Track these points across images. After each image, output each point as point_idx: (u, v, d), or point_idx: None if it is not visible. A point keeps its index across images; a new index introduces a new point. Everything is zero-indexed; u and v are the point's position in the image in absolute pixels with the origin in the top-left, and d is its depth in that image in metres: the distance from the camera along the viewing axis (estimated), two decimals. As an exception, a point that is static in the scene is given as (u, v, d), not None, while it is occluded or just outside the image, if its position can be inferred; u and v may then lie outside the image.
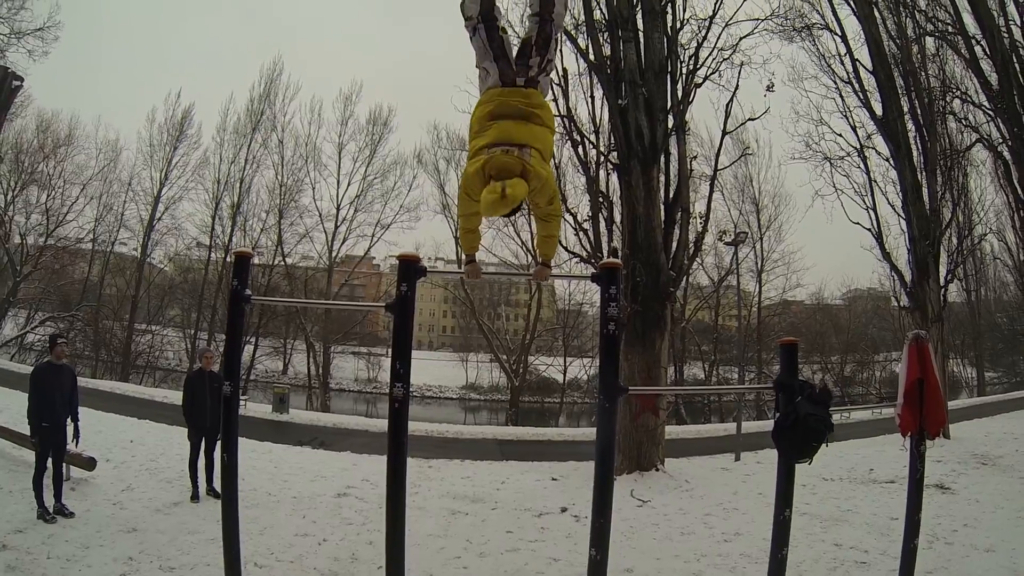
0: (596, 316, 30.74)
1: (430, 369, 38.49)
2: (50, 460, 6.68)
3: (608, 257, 12.61)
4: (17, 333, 30.09)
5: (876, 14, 16.47)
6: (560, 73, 14.50)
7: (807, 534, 6.95)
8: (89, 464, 7.70)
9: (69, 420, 6.86)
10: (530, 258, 33.06)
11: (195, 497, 7.74)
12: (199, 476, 7.89)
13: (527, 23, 3.74)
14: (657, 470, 11.49)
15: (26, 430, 6.88)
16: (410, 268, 4.30)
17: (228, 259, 32.22)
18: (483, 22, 3.55)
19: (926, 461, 4.64)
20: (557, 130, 15.43)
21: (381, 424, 16.55)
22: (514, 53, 3.57)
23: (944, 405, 4.89)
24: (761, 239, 35.22)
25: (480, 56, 3.60)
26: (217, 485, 7.16)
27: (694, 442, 17.23)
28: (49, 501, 6.52)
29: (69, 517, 6.50)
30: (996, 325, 36.22)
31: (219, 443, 4.55)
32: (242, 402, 19.13)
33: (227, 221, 33.91)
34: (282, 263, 34.81)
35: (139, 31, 66.80)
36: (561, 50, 14.67)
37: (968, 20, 16.19)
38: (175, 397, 13.87)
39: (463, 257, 4.39)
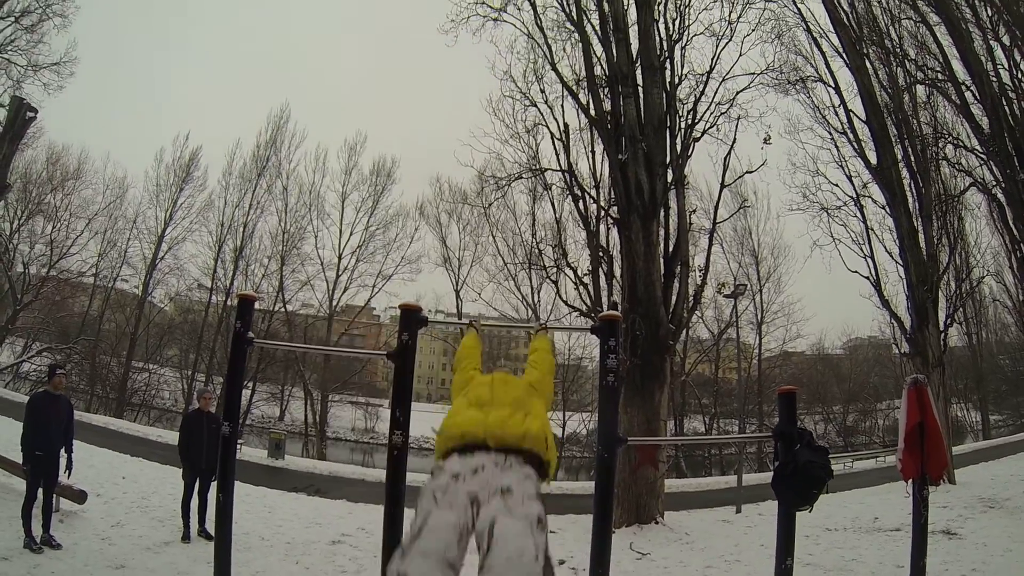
0: (595, 370, 30.24)
1: (430, 422, 37.96)
2: (41, 490, 6.59)
3: (608, 310, 12.69)
4: (13, 361, 29.92)
5: (868, 65, 16.97)
6: (561, 128, 14.88)
7: (812, 585, 6.82)
8: (80, 497, 7.61)
9: (63, 451, 6.79)
10: (530, 311, 33.54)
11: (186, 537, 7.60)
12: (191, 517, 7.76)
13: None
14: (657, 523, 11.30)
15: (18, 457, 6.83)
16: (411, 317, 4.37)
17: (229, 302, 32.31)
18: None
19: (931, 507, 4.63)
20: (559, 184, 15.81)
21: (378, 473, 16.34)
22: None
23: (945, 448, 4.88)
24: (760, 291, 35.37)
25: None
26: (209, 526, 7.08)
27: (694, 495, 17.00)
28: (37, 531, 6.43)
29: (56, 549, 6.40)
30: (999, 367, 36.01)
31: (213, 484, 4.53)
32: (238, 447, 18.97)
33: (229, 265, 34.10)
34: (282, 310, 34.82)
35: (152, 72, 68.54)
36: (563, 105, 15.18)
37: (957, 67, 16.68)
38: (170, 436, 13.78)
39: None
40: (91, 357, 32.05)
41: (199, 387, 27.64)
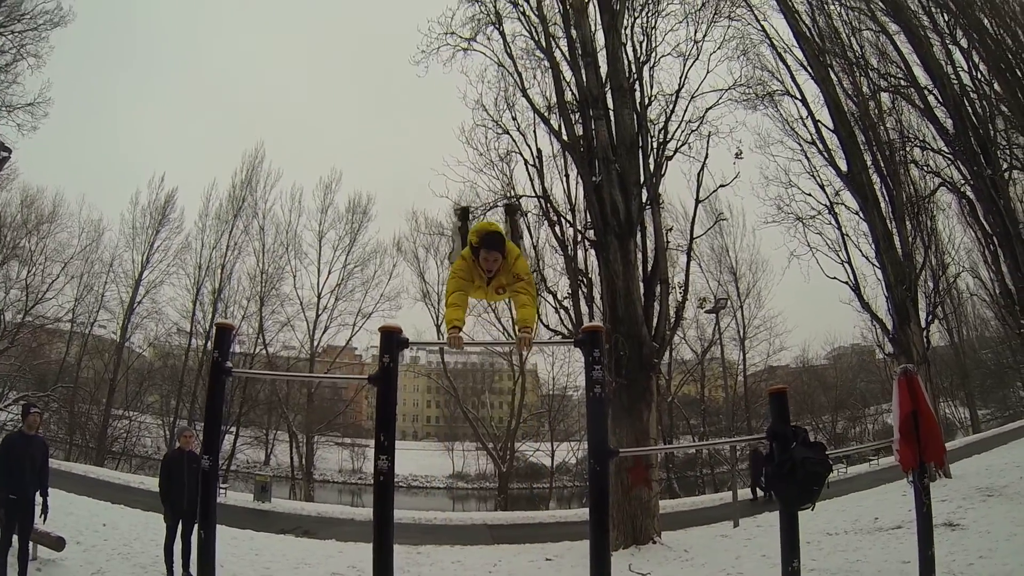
0: (581, 399, 30.46)
1: (416, 459, 37.82)
2: (16, 536, 6.30)
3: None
4: (-11, 410, 28.93)
5: (832, 75, 17.30)
6: (534, 154, 14.96)
7: (818, 590, 6.71)
8: (58, 544, 7.28)
9: (38, 494, 6.49)
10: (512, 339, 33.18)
11: (170, 583, 7.30)
12: (175, 561, 7.43)
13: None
14: (654, 542, 11.14)
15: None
16: (392, 339, 4.32)
17: (209, 346, 31.74)
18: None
19: (932, 502, 4.58)
20: (533, 211, 15.87)
21: (368, 512, 16.00)
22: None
23: (941, 434, 4.86)
24: (741, 307, 35.49)
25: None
26: (194, 570, 6.79)
27: (689, 514, 16.86)
28: None
29: (34, 596, 6.11)
30: (982, 362, 36.43)
31: (196, 527, 4.36)
32: (222, 491, 18.54)
33: (208, 307, 33.60)
34: (263, 352, 34.35)
35: (127, 113, 68.44)
36: (535, 131, 15.29)
37: (919, 72, 17.09)
38: (152, 483, 13.35)
39: (445, 331, 4.52)
40: (69, 405, 31.20)
41: (180, 425, 26.97)
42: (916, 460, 4.55)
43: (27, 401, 7.20)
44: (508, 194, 16.32)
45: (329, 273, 35.03)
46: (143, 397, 36.20)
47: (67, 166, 52.32)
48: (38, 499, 6.50)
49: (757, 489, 18.65)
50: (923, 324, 16.19)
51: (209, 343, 31.02)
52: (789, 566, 4.12)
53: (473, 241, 4.33)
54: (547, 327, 16.60)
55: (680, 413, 35.60)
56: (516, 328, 4.51)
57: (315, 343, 34.69)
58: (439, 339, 33.33)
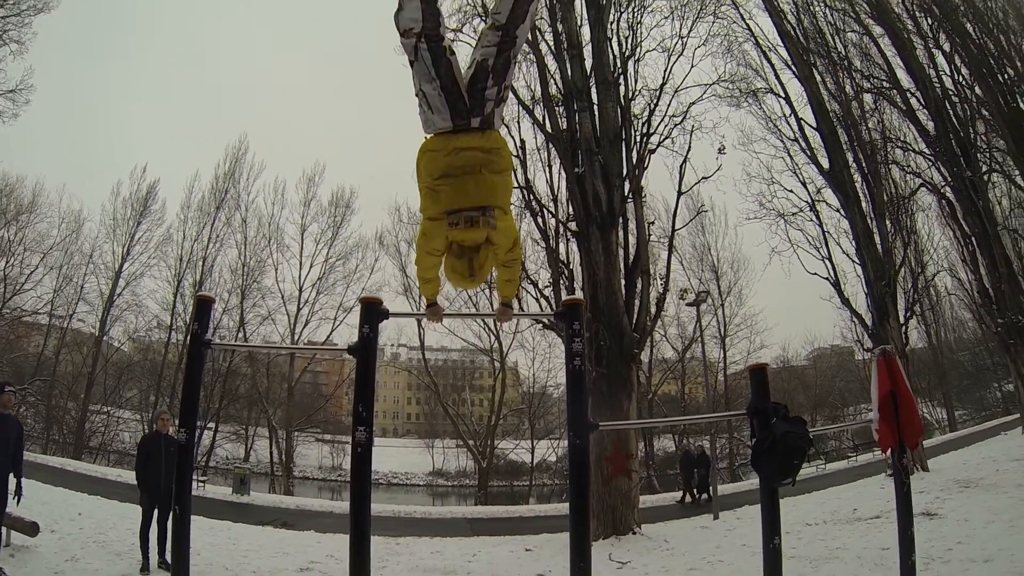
0: (562, 396, 30.39)
1: (396, 456, 37.73)
2: None
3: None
4: (-38, 404, 28.33)
5: (816, 75, 17.63)
6: (517, 145, 14.99)
7: (798, 574, 6.74)
8: (31, 529, 7.11)
9: (12, 477, 6.28)
10: (492, 337, 33.64)
11: (145, 569, 7.14)
12: (150, 547, 7.29)
13: (482, 38, 3.02)
14: (634, 533, 11.19)
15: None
16: (372, 310, 4.25)
17: (188, 341, 31.25)
18: (427, 41, 2.83)
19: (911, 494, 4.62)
20: (516, 202, 15.91)
21: (347, 507, 15.84)
22: (466, 81, 2.92)
23: (919, 416, 4.89)
24: (723, 305, 35.71)
25: (422, 79, 2.90)
26: (170, 556, 6.70)
27: (669, 508, 16.96)
28: None
29: (5, 580, 5.93)
30: (959, 363, 36.99)
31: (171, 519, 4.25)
32: (200, 484, 18.30)
33: (189, 300, 33.10)
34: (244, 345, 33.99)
35: (109, 102, 67.48)
36: (519, 123, 15.31)
37: (902, 75, 17.53)
38: (129, 476, 13.14)
39: (424, 302, 4.25)
40: (47, 399, 30.68)
41: (158, 409, 26.57)
42: (896, 440, 4.56)
43: (2, 380, 7.01)
44: None
45: (311, 266, 34.66)
46: (122, 391, 35.63)
47: (48, 155, 51.48)
48: (11, 482, 6.29)
49: (689, 492, 18.26)
50: (902, 320, 16.45)
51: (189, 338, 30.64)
52: (770, 543, 4.08)
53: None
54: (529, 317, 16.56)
55: (661, 411, 35.75)
56: (496, 297, 4.24)
57: (296, 337, 34.36)
58: (420, 333, 33.41)
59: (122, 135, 64.24)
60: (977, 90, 16.85)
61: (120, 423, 33.41)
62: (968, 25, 16.96)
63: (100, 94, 67.30)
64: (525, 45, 14.81)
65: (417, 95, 2.95)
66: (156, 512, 7.40)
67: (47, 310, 31.95)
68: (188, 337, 4.47)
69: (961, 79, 17.02)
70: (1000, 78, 16.46)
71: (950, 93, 16.85)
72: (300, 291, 34.26)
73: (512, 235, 3.26)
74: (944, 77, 17.02)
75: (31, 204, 31.83)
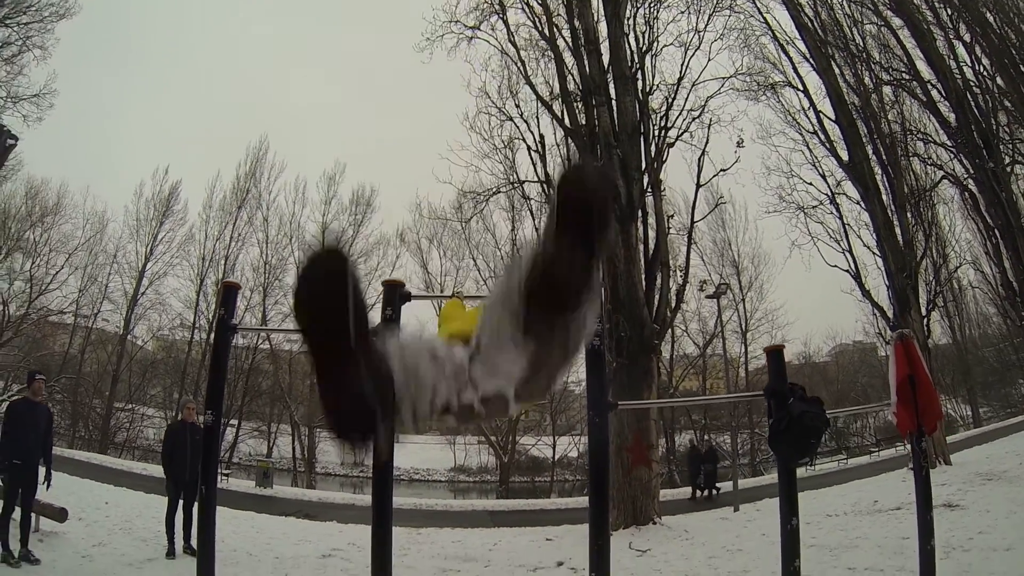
0: (583, 392, 30.25)
1: (417, 453, 37.88)
2: (19, 506, 6.34)
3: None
4: (-8, 400, 29.02)
5: (834, 67, 17.39)
6: (537, 140, 15.06)
7: (818, 562, 6.68)
8: (60, 515, 7.28)
9: (41, 462, 6.51)
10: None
11: (171, 554, 7.33)
12: (176, 532, 7.48)
13: None
14: (655, 523, 11.21)
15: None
16: (394, 292, 4.33)
17: (211, 338, 31.66)
18: None
19: (932, 487, 4.60)
20: (536, 198, 15.96)
21: (369, 499, 16.02)
22: None
23: (938, 399, 4.86)
24: (744, 300, 35.48)
25: None
26: (195, 542, 6.86)
27: (689, 501, 16.95)
28: (14, 546, 6.17)
29: (35, 564, 6.15)
30: (984, 359, 36.27)
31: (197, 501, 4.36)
32: (224, 477, 18.59)
33: (212, 298, 33.51)
34: (266, 343, 34.39)
35: (131, 103, 68.30)
36: (538, 117, 15.37)
37: (922, 66, 17.24)
38: (155, 470, 13.43)
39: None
40: (72, 396, 31.36)
41: (184, 398, 27.01)
42: (914, 423, 4.54)
43: (32, 368, 7.25)
44: (511, 179, 16.41)
45: (333, 264, 35.00)
46: (146, 389, 36.22)
47: (72, 157, 52.13)
48: (41, 468, 6.52)
49: (697, 488, 18.10)
50: (923, 312, 16.26)
51: (212, 335, 31.05)
52: (788, 524, 4.09)
53: None
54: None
55: (682, 408, 35.59)
56: None
57: (319, 334, 34.61)
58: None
59: (145, 138, 65.06)
60: (999, 80, 16.60)
61: (145, 419, 33.93)
62: (988, 15, 16.72)
63: (123, 97, 68.22)
64: (543, 41, 14.98)
65: None
66: (182, 499, 7.58)
67: (72, 309, 32.64)
68: (214, 324, 4.57)
69: (982, 69, 16.76)
70: (1022, 68, 16.21)
71: (971, 84, 16.61)
72: (322, 289, 34.50)
73: None
74: (965, 68, 16.80)
75: (56, 206, 32.35)
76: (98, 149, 59.38)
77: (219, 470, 8.97)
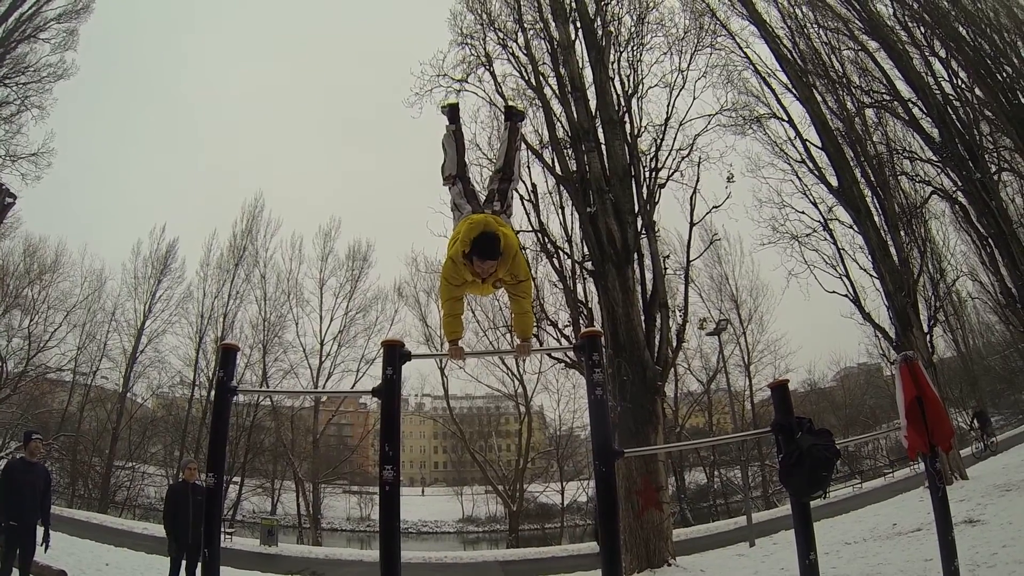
0: (589, 437, 29.72)
1: (425, 505, 37.45)
2: (16, 567, 6.17)
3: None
4: (-10, 459, 28.55)
5: (816, 95, 17.72)
6: (529, 189, 15.18)
7: (839, 594, 6.57)
8: (59, 577, 7.13)
9: (39, 523, 6.37)
10: (516, 381, 33.87)
11: (174, 616, 7.16)
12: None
13: (492, 178, 4.74)
14: (669, 565, 10.90)
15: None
16: (395, 352, 4.38)
17: (212, 396, 31.36)
18: (460, 180, 4.59)
19: (949, 502, 4.53)
20: (531, 246, 16.05)
21: (377, 555, 15.70)
22: (482, 199, 4.52)
23: (948, 417, 4.81)
24: (744, 333, 35.27)
25: (456, 199, 4.57)
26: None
27: (703, 539, 16.67)
28: None
29: (32, 627, 5.96)
30: (990, 368, 36.01)
31: (200, 565, 4.28)
32: (228, 536, 18.24)
33: (211, 355, 33.35)
34: (268, 401, 34.12)
35: (128, 162, 69.55)
36: (529, 167, 15.51)
37: (901, 86, 17.52)
38: (156, 529, 13.16)
39: (447, 342, 4.63)
40: (71, 454, 30.95)
41: (185, 458, 26.61)
42: (926, 444, 4.51)
43: (29, 428, 7.20)
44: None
45: (331, 320, 34.67)
46: (146, 447, 35.80)
47: (69, 216, 52.81)
48: (39, 529, 6.38)
49: None
50: (926, 329, 16.23)
51: (212, 393, 30.76)
52: (806, 558, 4.05)
53: (463, 250, 3.93)
54: (550, 355, 16.51)
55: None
56: (515, 335, 4.67)
57: (319, 390, 34.42)
58: (443, 380, 33.49)
59: (142, 197, 66.06)
60: (978, 91, 16.82)
61: (145, 478, 33.49)
62: (961, 29, 17.04)
63: (120, 157, 69.46)
64: (530, 91, 15.27)
65: (452, 210, 4.60)
66: (184, 561, 7.41)
67: (71, 367, 32.49)
68: (213, 385, 4.56)
69: (960, 83, 17.03)
70: (999, 77, 16.44)
71: (951, 98, 16.85)
72: (321, 344, 34.25)
73: (521, 264, 4.17)
74: (943, 83, 17.04)
75: (54, 263, 32.54)
76: (96, 207, 60.29)
77: (222, 529, 8.82)
